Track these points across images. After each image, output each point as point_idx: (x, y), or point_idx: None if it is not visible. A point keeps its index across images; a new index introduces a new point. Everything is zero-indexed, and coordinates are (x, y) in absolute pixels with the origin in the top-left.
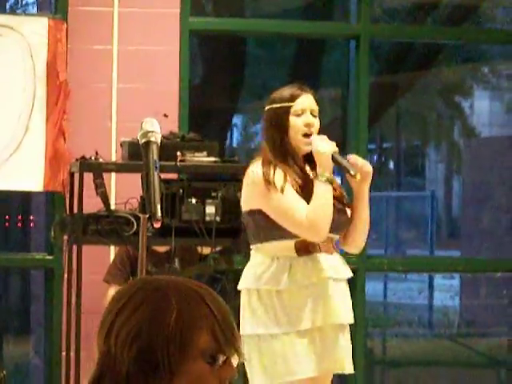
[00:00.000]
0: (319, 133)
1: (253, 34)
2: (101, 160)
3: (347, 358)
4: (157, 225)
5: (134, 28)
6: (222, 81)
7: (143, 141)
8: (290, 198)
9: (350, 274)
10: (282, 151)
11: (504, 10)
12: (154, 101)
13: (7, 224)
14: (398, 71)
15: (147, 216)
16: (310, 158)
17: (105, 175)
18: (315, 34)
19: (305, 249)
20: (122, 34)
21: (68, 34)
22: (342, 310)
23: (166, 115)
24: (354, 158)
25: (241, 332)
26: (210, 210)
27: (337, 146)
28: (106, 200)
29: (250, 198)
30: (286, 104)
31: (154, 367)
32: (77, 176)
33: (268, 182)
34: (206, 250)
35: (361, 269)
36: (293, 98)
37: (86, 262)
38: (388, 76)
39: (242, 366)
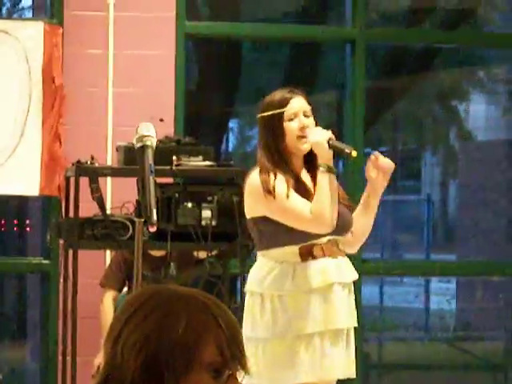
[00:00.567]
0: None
1: (248, 38)
2: (96, 164)
3: (349, 364)
4: (152, 229)
5: (130, 32)
6: (218, 85)
7: (139, 145)
8: (294, 199)
9: (356, 276)
10: (279, 157)
11: (500, 14)
12: (150, 105)
13: (3, 228)
14: (394, 75)
15: (143, 220)
16: (310, 159)
17: (100, 179)
18: (311, 38)
19: (308, 254)
20: (117, 38)
21: (64, 38)
22: (345, 314)
23: (161, 119)
24: (377, 154)
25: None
26: (206, 214)
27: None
28: (101, 204)
29: (251, 206)
30: (278, 110)
31: (158, 377)
32: (73, 180)
33: (267, 191)
34: (202, 254)
35: (357, 273)
36: (284, 103)
37: (81, 267)
38: (384, 80)
39: None
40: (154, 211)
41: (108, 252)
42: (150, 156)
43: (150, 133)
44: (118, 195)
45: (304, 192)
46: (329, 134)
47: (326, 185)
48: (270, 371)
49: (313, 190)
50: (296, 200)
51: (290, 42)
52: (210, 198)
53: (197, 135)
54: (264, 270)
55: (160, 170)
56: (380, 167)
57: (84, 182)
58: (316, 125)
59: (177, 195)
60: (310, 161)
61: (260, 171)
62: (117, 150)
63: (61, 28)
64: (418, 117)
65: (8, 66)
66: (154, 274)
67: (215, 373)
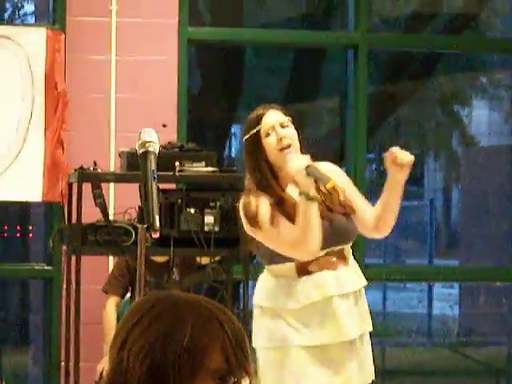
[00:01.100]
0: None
1: (251, 44)
2: (99, 170)
3: (358, 375)
4: (155, 235)
5: (133, 38)
6: (221, 90)
7: (141, 151)
8: (277, 228)
9: (363, 283)
10: (262, 178)
11: (503, 19)
12: (153, 111)
13: (6, 234)
14: (397, 80)
15: (145, 226)
16: None
17: (103, 185)
18: (313, 43)
19: (304, 269)
20: (120, 44)
21: (66, 44)
22: (350, 326)
23: (164, 125)
24: (395, 150)
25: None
26: (209, 219)
27: (333, 155)
28: (104, 210)
29: (246, 229)
30: (255, 129)
31: (164, 383)
32: (75, 186)
33: (250, 221)
34: (205, 260)
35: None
36: (259, 120)
37: (84, 272)
38: (387, 85)
39: None
40: (157, 217)
41: (111, 258)
42: (152, 162)
43: (153, 138)
44: (121, 201)
45: (290, 211)
46: (306, 161)
47: (304, 214)
48: (271, 381)
49: None
50: (274, 230)
51: (293, 47)
52: (212, 204)
53: (199, 141)
54: (263, 285)
55: (163, 175)
56: (398, 164)
57: (87, 187)
58: (298, 134)
59: (179, 201)
60: None
61: (246, 196)
62: (119, 155)
63: (63, 34)
64: (421, 122)
65: (11, 72)
66: (157, 280)
67: (221, 380)
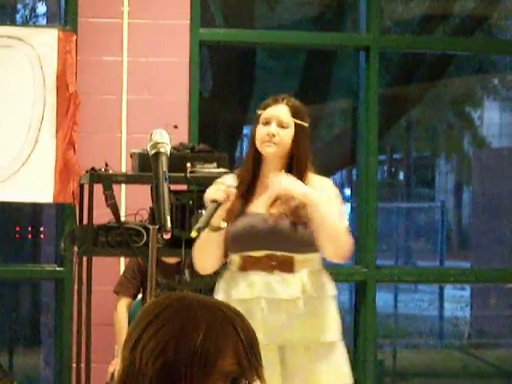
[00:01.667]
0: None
1: (263, 45)
2: (110, 171)
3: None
4: (166, 236)
5: (144, 39)
6: (232, 91)
7: (153, 152)
8: None
9: (294, 295)
10: (253, 156)
11: None
12: (164, 112)
13: (18, 236)
14: (409, 82)
15: (157, 227)
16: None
17: (114, 186)
18: (325, 44)
19: (242, 265)
20: (131, 45)
21: (78, 45)
22: (269, 332)
23: (175, 126)
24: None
25: None
26: None
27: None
28: (115, 211)
29: None
30: (259, 112)
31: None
32: (87, 187)
33: None
34: None
35: (371, 280)
36: (264, 107)
37: (95, 274)
38: (398, 87)
39: None
40: (168, 218)
41: (122, 259)
42: (164, 163)
43: (164, 139)
44: (132, 202)
45: (245, 204)
46: (218, 195)
47: (200, 239)
48: None
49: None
50: None
51: (304, 48)
52: None
53: (211, 142)
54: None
55: (174, 176)
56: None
57: (98, 189)
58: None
59: (191, 202)
60: (289, 164)
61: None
62: (131, 156)
63: (75, 35)
64: (432, 124)
65: (22, 73)
66: (168, 281)
67: (232, 382)
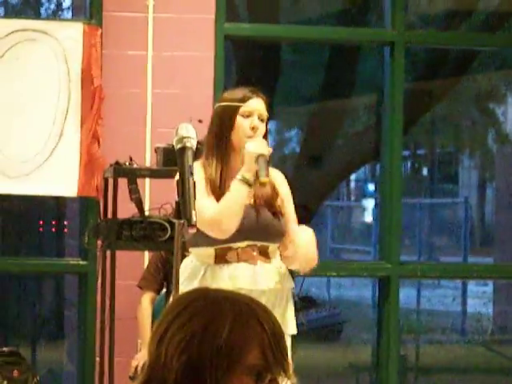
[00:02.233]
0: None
1: (287, 40)
2: (135, 165)
3: None
4: (192, 230)
5: (169, 33)
6: (256, 86)
7: (179, 146)
8: (201, 196)
9: (282, 286)
10: (223, 149)
11: None
12: (189, 106)
13: (41, 229)
14: (433, 78)
15: (182, 221)
16: None
17: (139, 181)
18: (350, 40)
19: (222, 257)
20: (156, 39)
21: (103, 39)
22: None
23: (200, 121)
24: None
25: None
26: None
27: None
28: (140, 205)
29: None
30: (236, 104)
31: (200, 377)
32: (111, 181)
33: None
34: None
35: (394, 275)
36: (243, 100)
37: (119, 268)
38: (423, 83)
39: None
40: (194, 212)
41: (146, 253)
42: (190, 157)
43: (190, 134)
44: (156, 196)
45: (218, 193)
46: (264, 150)
47: (233, 193)
48: None
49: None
50: (203, 198)
51: (329, 44)
52: None
53: None
54: (185, 267)
55: None
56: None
57: (122, 183)
58: (265, 134)
59: None
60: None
61: (200, 162)
62: (155, 151)
63: (100, 29)
64: (456, 120)
65: (47, 67)
66: None
67: (257, 376)
